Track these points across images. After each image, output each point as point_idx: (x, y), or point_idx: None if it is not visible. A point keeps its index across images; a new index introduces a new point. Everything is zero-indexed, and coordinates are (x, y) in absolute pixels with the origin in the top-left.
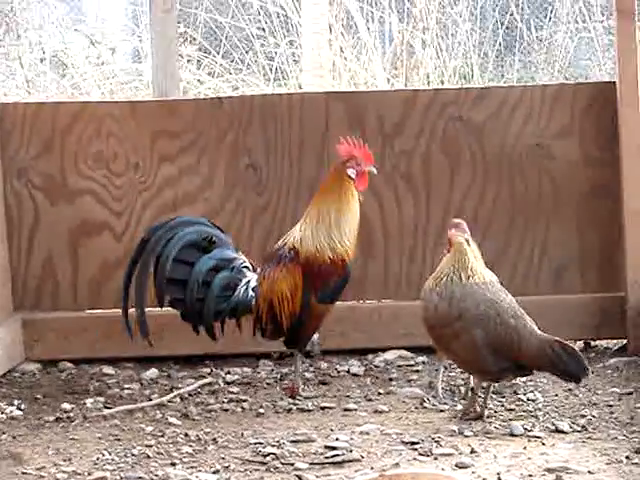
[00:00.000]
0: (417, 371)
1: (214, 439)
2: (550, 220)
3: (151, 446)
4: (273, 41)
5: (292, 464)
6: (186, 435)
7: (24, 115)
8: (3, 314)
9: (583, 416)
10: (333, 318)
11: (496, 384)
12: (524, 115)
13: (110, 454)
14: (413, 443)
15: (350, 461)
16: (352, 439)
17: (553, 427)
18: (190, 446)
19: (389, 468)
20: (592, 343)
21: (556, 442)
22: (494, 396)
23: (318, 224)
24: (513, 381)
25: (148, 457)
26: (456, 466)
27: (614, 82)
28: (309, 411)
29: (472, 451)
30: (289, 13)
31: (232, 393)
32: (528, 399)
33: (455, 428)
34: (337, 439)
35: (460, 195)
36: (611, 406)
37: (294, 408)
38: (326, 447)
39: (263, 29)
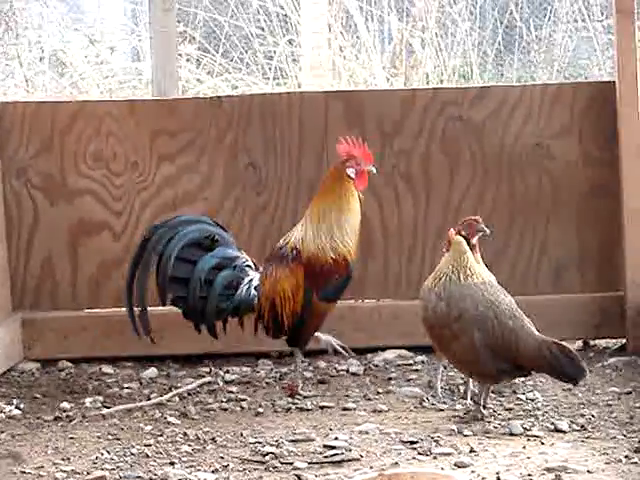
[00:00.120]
0: (416, 370)
1: (213, 438)
2: (550, 220)
3: (150, 445)
4: (272, 40)
5: (291, 463)
6: (185, 434)
7: (23, 114)
8: (2, 314)
9: (582, 415)
10: (332, 317)
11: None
12: (524, 115)
13: (109, 453)
14: (412, 442)
15: (349, 460)
16: (351, 438)
17: (552, 426)
18: (189, 445)
19: (388, 467)
20: (591, 342)
21: (555, 441)
22: (493, 395)
23: (319, 224)
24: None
25: (147, 456)
26: (455, 465)
27: (614, 82)
28: (308, 410)
29: (471, 450)
30: (288, 12)
31: (231, 392)
32: (527, 398)
33: (454, 427)
34: (336, 438)
35: (459, 195)
36: (610, 405)
37: (293, 407)
38: (325, 446)
39: (262, 28)
